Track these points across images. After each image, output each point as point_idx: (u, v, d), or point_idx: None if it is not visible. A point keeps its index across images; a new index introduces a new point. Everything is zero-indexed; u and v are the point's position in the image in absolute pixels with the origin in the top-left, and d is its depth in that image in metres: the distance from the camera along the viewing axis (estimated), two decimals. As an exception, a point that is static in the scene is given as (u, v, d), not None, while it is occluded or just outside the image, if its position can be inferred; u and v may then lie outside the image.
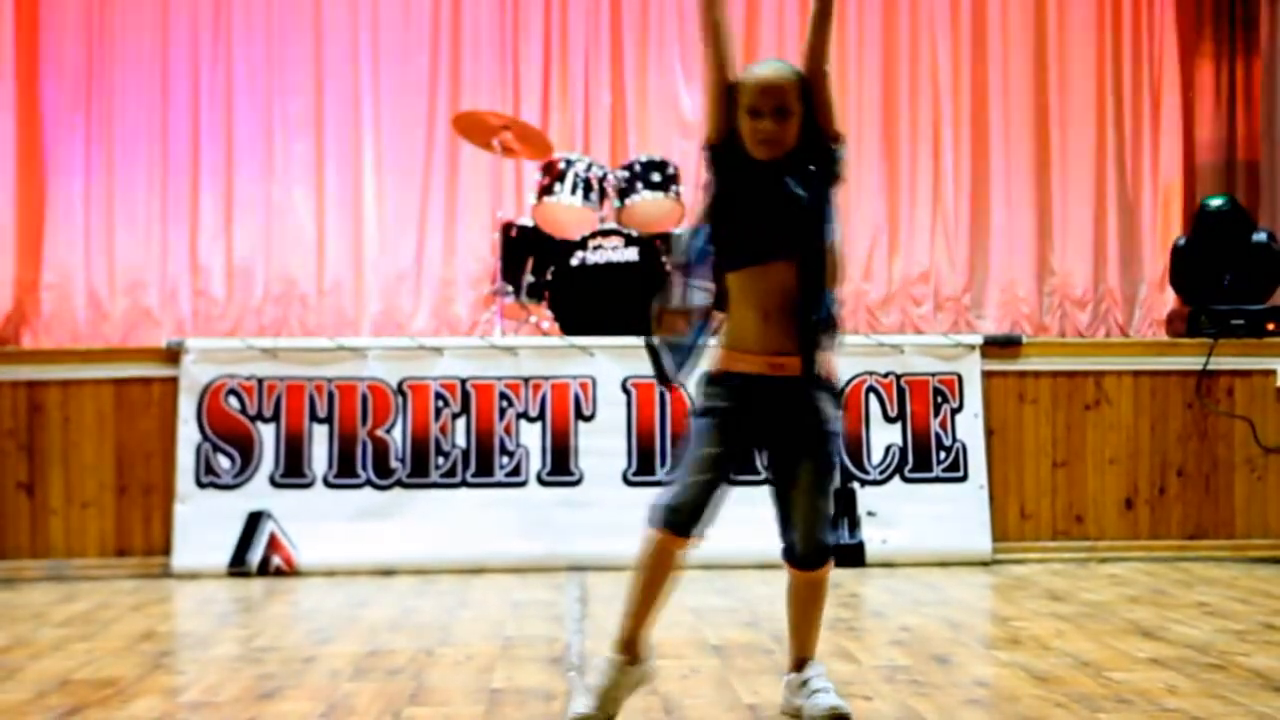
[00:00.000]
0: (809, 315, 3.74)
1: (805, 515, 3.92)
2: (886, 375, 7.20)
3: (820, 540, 3.94)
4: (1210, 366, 7.37)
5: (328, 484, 6.96)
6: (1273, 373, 7.40)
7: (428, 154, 10.41)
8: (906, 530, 7.04)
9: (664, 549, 3.83)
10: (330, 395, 7.01)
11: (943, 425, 7.18)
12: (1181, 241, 8.38)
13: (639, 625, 3.90)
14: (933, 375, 7.21)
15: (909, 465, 7.15)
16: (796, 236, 3.74)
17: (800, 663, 4.02)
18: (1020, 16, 10.75)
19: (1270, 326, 7.74)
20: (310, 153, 10.40)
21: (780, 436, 3.89)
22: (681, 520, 3.81)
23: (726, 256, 3.81)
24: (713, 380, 3.89)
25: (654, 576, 3.87)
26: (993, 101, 10.71)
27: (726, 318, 3.86)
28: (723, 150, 3.83)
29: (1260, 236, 8.17)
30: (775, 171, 3.77)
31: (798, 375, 3.77)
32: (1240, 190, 10.26)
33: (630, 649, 3.89)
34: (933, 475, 7.14)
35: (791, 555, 3.99)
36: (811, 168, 3.79)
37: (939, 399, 7.19)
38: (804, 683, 3.96)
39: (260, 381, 6.99)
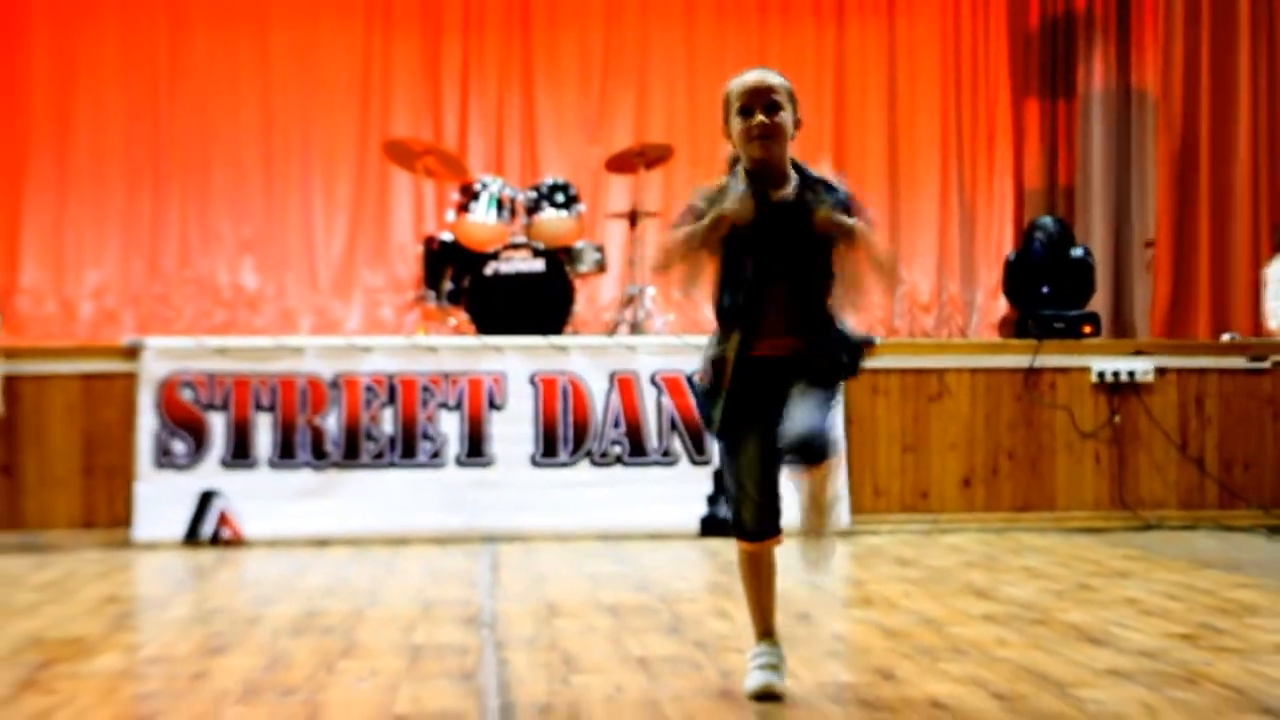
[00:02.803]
0: (807, 317, 3.58)
1: (809, 415, 3.49)
2: (759, 371, 7.23)
3: (822, 433, 3.48)
4: (1036, 364, 7.46)
5: (271, 466, 6.90)
6: (1088, 369, 7.49)
7: (360, 176, 10.40)
8: (776, 505, 7.07)
9: (757, 555, 3.76)
10: (273, 388, 6.95)
11: (808, 414, 7.21)
12: (1012, 255, 8.48)
13: (766, 616, 3.80)
14: (799, 371, 7.25)
15: (778, 449, 7.18)
16: (794, 265, 3.59)
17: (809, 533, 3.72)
18: (875, 61, 10.86)
19: (1086, 329, 7.85)
20: (257, 175, 10.34)
21: (790, 391, 3.57)
22: (763, 529, 3.69)
23: (734, 280, 3.63)
24: (725, 373, 3.63)
25: (759, 579, 3.78)
26: (851, 136, 10.80)
27: (731, 321, 3.63)
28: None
29: (1078, 252, 8.28)
30: (770, 216, 3.59)
31: (801, 350, 3.57)
32: (1061, 212, 10.41)
33: (769, 634, 3.79)
34: (799, 457, 7.17)
35: (800, 452, 3.48)
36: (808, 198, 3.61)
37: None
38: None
39: (211, 376, 6.92)
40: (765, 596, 3.81)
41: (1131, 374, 7.49)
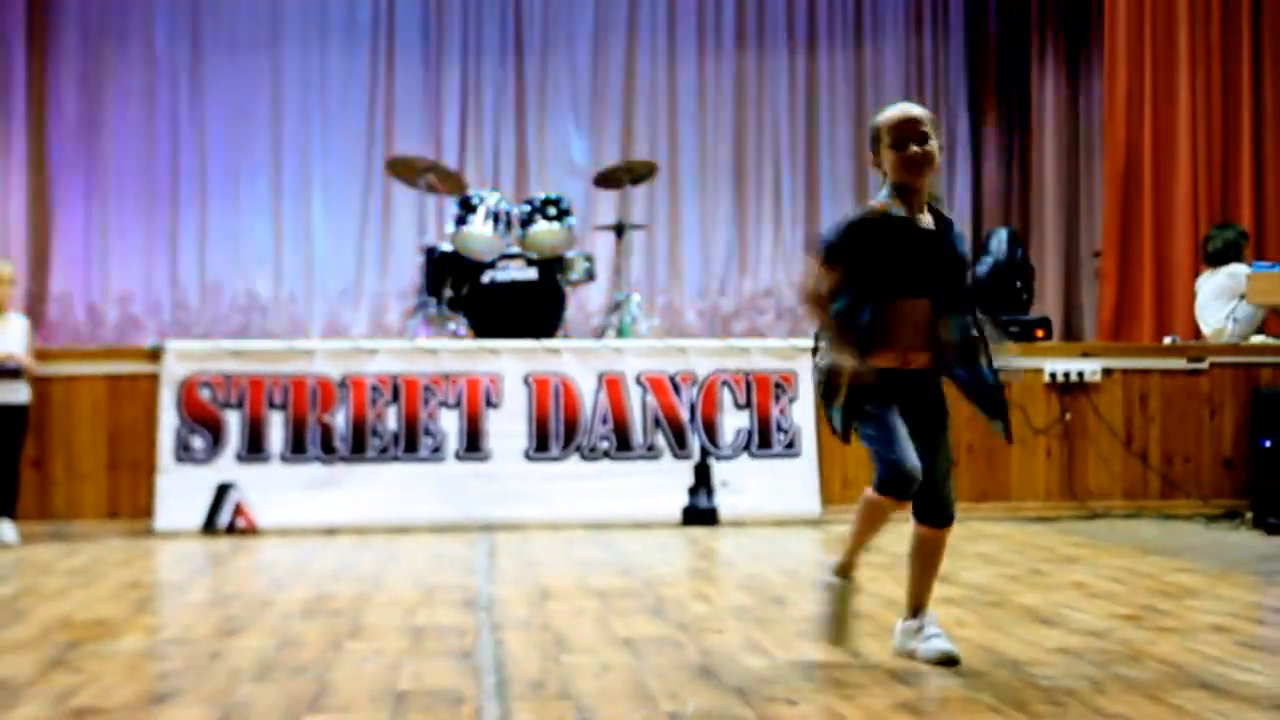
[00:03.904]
0: (945, 329, 3.62)
1: (941, 479, 3.72)
2: (737, 372, 7.23)
3: (951, 501, 3.77)
4: (992, 365, 7.46)
5: (283, 460, 6.89)
6: (1040, 370, 7.51)
7: (366, 191, 10.40)
8: (752, 496, 7.08)
9: (889, 510, 3.68)
10: (285, 387, 6.94)
11: (782, 412, 7.23)
12: (977, 267, 8.49)
13: (857, 556, 3.79)
14: (774, 372, 7.26)
15: (755, 444, 7.19)
16: (932, 278, 3.63)
17: (916, 610, 3.86)
18: (844, 85, 10.88)
19: (1039, 333, 7.87)
20: (269, 189, 10.33)
21: (918, 413, 3.68)
22: (907, 491, 3.62)
23: (876, 292, 3.63)
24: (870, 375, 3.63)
25: (877, 526, 3.71)
26: (821, 155, 10.82)
27: (874, 331, 3.63)
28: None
29: (1030, 261, 8.31)
30: (925, 235, 3.66)
31: (928, 367, 3.65)
32: (1015, 225, 10.43)
33: (849, 572, 3.80)
34: (774, 452, 7.18)
35: (925, 513, 3.75)
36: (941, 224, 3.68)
37: (779, 391, 7.24)
38: (920, 628, 3.83)
39: (228, 376, 6.91)
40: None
41: (1080, 374, 7.51)
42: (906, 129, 3.67)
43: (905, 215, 3.67)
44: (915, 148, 3.65)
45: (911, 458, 3.60)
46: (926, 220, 3.71)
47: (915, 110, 3.73)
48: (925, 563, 3.86)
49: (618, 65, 10.79)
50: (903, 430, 3.63)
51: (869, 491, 3.69)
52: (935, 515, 3.78)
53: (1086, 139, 10.64)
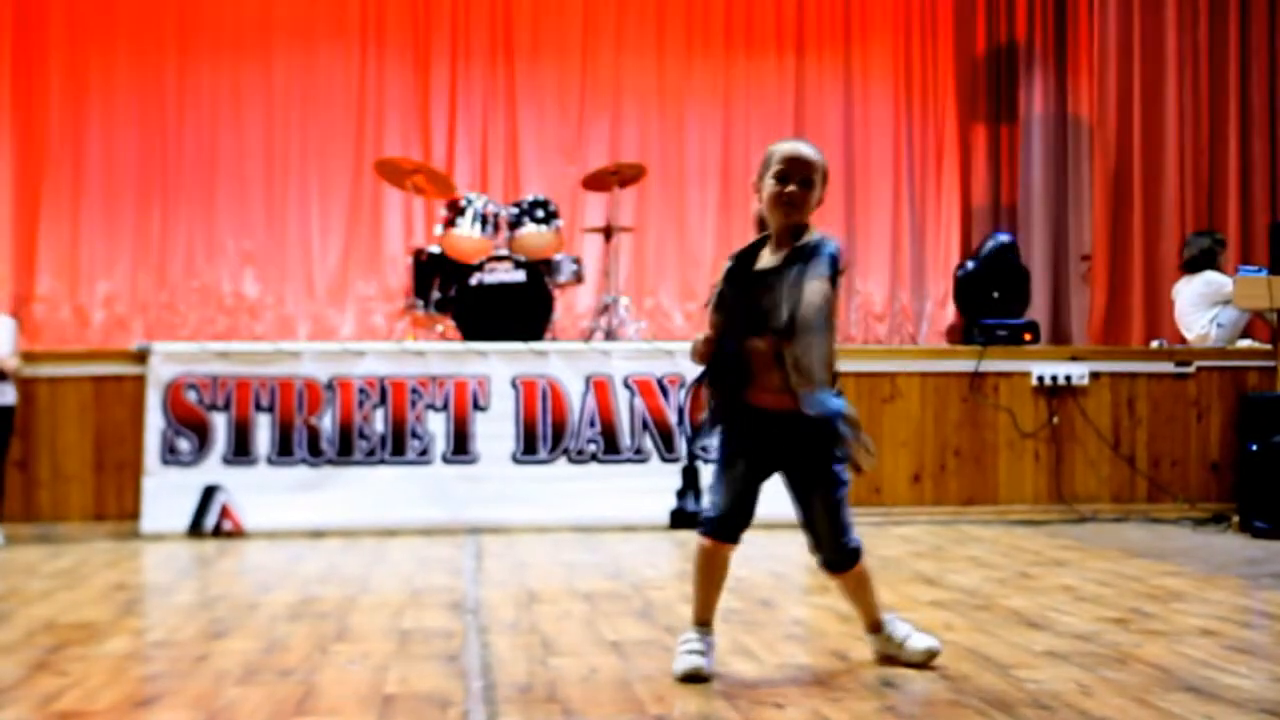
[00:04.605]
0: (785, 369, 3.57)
1: (822, 523, 3.72)
2: (724, 374, 7.22)
3: (840, 544, 3.74)
4: (980, 369, 7.49)
5: (270, 462, 6.88)
6: (1029, 374, 7.52)
7: (354, 192, 10.37)
8: (740, 499, 7.07)
9: (713, 554, 3.75)
10: (272, 389, 6.93)
11: (769, 415, 7.22)
12: (969, 267, 8.48)
13: (706, 608, 3.80)
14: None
15: (742, 447, 7.18)
16: (768, 319, 3.59)
17: (875, 625, 3.86)
18: (832, 86, 10.89)
19: (1026, 337, 7.88)
20: (259, 191, 10.31)
21: (788, 462, 3.71)
22: (725, 533, 3.72)
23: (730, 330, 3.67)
24: (728, 412, 3.73)
25: (710, 575, 3.78)
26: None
27: (724, 371, 3.69)
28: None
29: (1023, 266, 8.32)
30: (760, 276, 3.66)
31: (792, 409, 3.57)
32: (1004, 228, 10.45)
33: (706, 625, 3.79)
34: (761, 455, 7.17)
35: (821, 561, 3.80)
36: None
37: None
38: (889, 638, 3.83)
39: (214, 378, 6.90)
40: (711, 592, 3.83)
41: (1068, 378, 7.52)
42: (793, 166, 3.66)
43: (744, 257, 3.72)
44: (793, 187, 3.64)
45: (723, 502, 3.70)
46: (769, 260, 3.68)
47: (809, 152, 3.70)
48: (855, 594, 3.89)
49: (607, 67, 10.79)
50: (736, 471, 3.69)
51: (697, 538, 3.79)
52: (829, 561, 3.79)
53: (1075, 141, 10.66)
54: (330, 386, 6.97)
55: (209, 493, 6.81)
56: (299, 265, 10.32)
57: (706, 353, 3.70)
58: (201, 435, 6.86)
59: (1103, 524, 7.28)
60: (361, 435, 6.96)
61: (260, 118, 10.36)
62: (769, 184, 3.70)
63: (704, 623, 3.80)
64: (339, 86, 10.46)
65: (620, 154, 10.41)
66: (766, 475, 3.75)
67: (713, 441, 3.82)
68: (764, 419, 3.67)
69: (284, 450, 6.91)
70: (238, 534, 6.75)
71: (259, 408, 6.91)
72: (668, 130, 10.79)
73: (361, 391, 6.99)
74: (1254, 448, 6.95)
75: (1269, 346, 7.89)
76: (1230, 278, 8.05)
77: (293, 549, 6.34)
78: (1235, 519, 7.05)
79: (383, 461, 6.97)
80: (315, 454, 6.92)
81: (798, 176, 3.66)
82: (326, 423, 6.95)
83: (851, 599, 3.90)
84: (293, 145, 10.38)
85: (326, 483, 6.90)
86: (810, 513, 3.73)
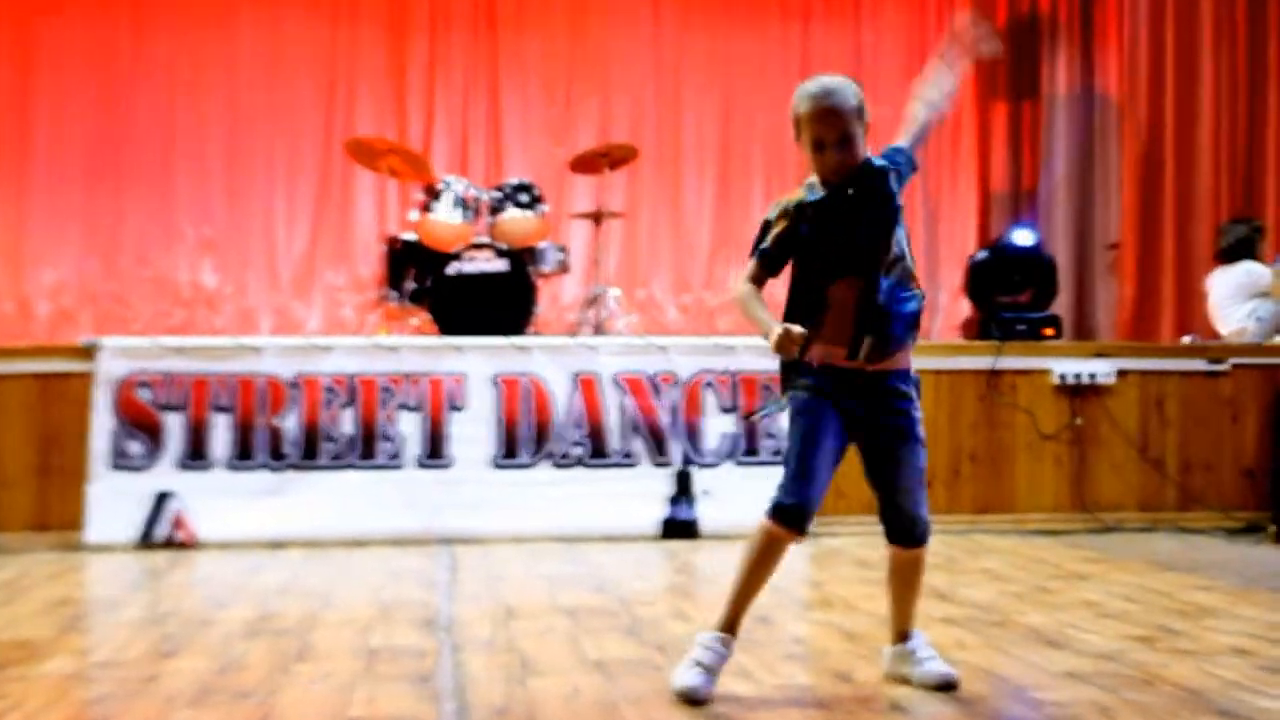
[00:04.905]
0: (876, 318, 3.59)
1: (906, 496, 3.71)
2: (722, 372, 7.22)
3: (920, 518, 3.74)
4: (997, 366, 7.48)
5: (228, 467, 6.86)
6: (1049, 371, 7.52)
7: (323, 175, 10.37)
8: (737, 507, 7.04)
9: (781, 545, 3.69)
10: (231, 388, 6.91)
11: (770, 416, 7.22)
12: (981, 256, 8.49)
13: (742, 611, 3.75)
14: (762, 373, 7.25)
15: (740, 450, 7.18)
16: (869, 257, 3.61)
17: (903, 635, 3.85)
18: (841, 62, 10.87)
19: (1048, 332, 7.88)
20: (218, 173, 10.31)
21: (869, 425, 3.69)
22: (802, 520, 3.66)
23: (807, 275, 3.66)
24: (806, 374, 3.68)
25: (765, 569, 3.73)
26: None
27: (814, 319, 3.62)
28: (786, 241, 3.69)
29: (1048, 256, 8.33)
30: (840, 204, 3.64)
31: (888, 370, 3.63)
32: (1024, 214, 10.46)
33: (733, 628, 3.74)
34: (761, 459, 7.17)
35: (894, 533, 3.77)
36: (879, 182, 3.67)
37: (767, 393, 7.23)
38: (911, 652, 3.81)
39: (168, 376, 6.88)
40: (757, 591, 3.77)
41: (1092, 376, 7.52)
42: (825, 128, 3.64)
43: (823, 196, 3.67)
44: (830, 153, 3.63)
45: (809, 488, 3.63)
46: (852, 190, 3.67)
47: (835, 100, 3.66)
48: (904, 584, 3.86)
49: (597, 40, 10.78)
50: (826, 448, 3.64)
51: (761, 519, 3.71)
52: (903, 535, 3.77)
53: (1102, 121, 10.67)
54: (294, 385, 6.96)
55: (161, 500, 6.79)
56: (262, 253, 10.32)
57: (799, 343, 3.55)
58: (154, 437, 6.85)
59: (1128, 534, 7.28)
60: (328, 437, 6.95)
61: (221, 92, 10.35)
62: (808, 152, 3.68)
63: (732, 628, 3.75)
64: (307, 59, 10.46)
65: (611, 134, 10.41)
66: (845, 451, 3.74)
67: (774, 414, 3.76)
68: (850, 379, 3.65)
69: (243, 454, 6.89)
70: (192, 544, 6.73)
71: (217, 408, 6.89)
72: (662, 108, 10.79)
73: (328, 390, 6.97)
74: (1293, 452, 6.95)
75: (1310, 343, 7.89)
76: (1269, 268, 8.05)
77: (251, 560, 6.32)
78: (1272, 529, 7.07)
79: (351, 466, 6.96)
80: (277, 458, 6.91)
81: (833, 138, 3.64)
82: (290, 424, 6.94)
83: (898, 590, 3.85)
84: (257, 123, 10.37)
85: (289, 489, 6.88)
86: (894, 476, 3.70)
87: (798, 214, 3.68)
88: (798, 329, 3.50)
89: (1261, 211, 9.82)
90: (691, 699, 3.60)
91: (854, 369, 3.65)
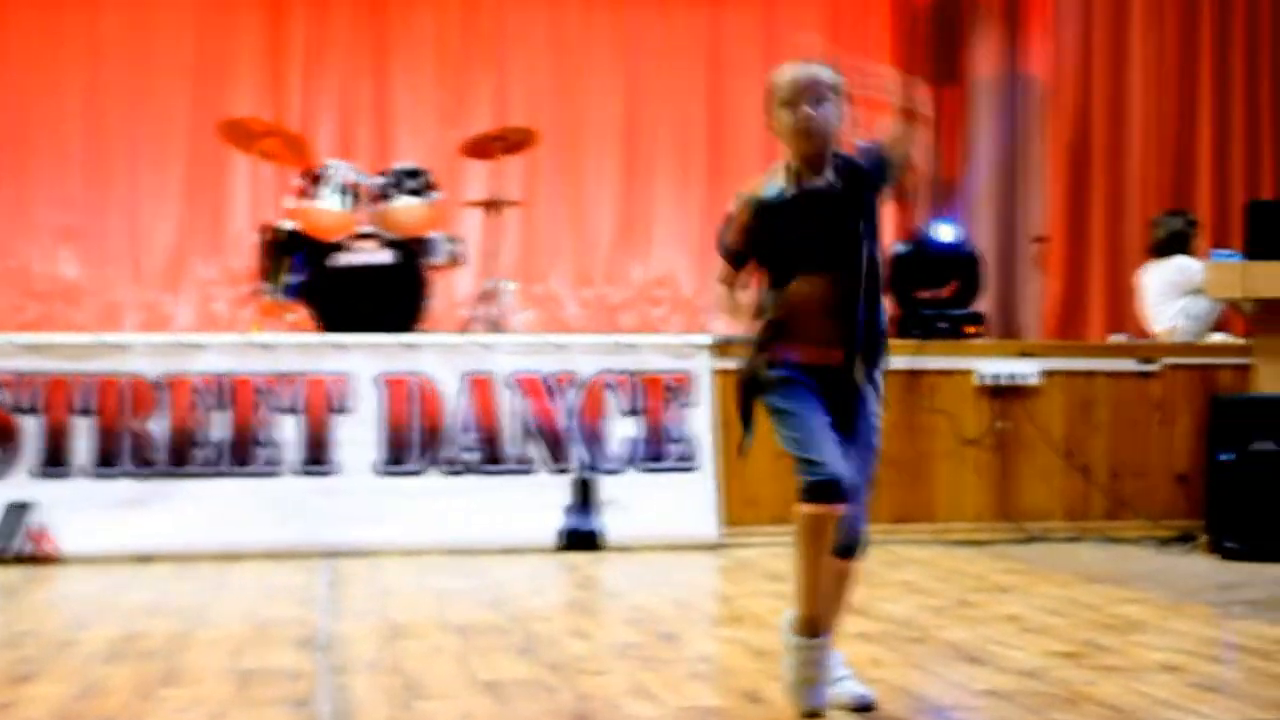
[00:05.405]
0: (851, 318, 3.65)
1: (855, 506, 3.71)
2: (624, 372, 7.24)
3: (863, 528, 3.76)
4: (917, 366, 7.54)
5: (89, 475, 6.78)
6: (971, 372, 7.59)
7: (193, 159, 10.26)
8: (641, 516, 7.09)
9: (829, 522, 3.64)
10: (93, 389, 6.82)
11: (676, 419, 7.25)
12: (900, 250, 8.56)
13: (817, 601, 3.70)
14: (668, 373, 7.27)
15: (644, 456, 7.20)
16: (836, 254, 3.66)
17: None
18: (750, 37, 10.94)
19: (970, 330, 7.96)
20: (78, 157, 10.17)
21: (836, 422, 3.70)
22: (838, 490, 3.60)
23: (776, 271, 3.71)
24: (773, 365, 3.70)
25: (821, 547, 3.66)
26: (729, 119, 10.86)
27: (776, 317, 3.69)
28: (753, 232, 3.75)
29: (971, 249, 8.42)
30: (812, 199, 3.69)
31: (842, 365, 3.67)
32: (946, 205, 10.55)
33: (817, 627, 3.70)
34: (667, 465, 7.20)
35: (840, 547, 3.74)
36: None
37: (673, 395, 7.26)
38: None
39: (22, 376, 6.78)
40: (821, 579, 3.72)
41: (1016, 377, 7.60)
42: (798, 90, 3.70)
43: (785, 189, 3.72)
44: (805, 109, 3.68)
45: (831, 456, 3.62)
46: (821, 181, 3.72)
47: (813, 69, 3.75)
48: (832, 598, 3.86)
49: (493, 15, 10.76)
50: (822, 421, 3.66)
51: (797, 507, 3.67)
52: (842, 544, 3.76)
53: (1029, 107, 10.79)
54: (162, 386, 6.89)
55: (16, 511, 6.70)
56: (126, 244, 10.20)
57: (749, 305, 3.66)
58: (7, 443, 6.75)
59: (1054, 544, 7.38)
60: (199, 443, 6.88)
61: (81, 71, 10.21)
62: (781, 117, 3.72)
63: (816, 630, 3.71)
64: (175, 33, 10.34)
65: (507, 116, 10.39)
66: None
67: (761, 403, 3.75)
68: (821, 373, 3.68)
69: (106, 461, 6.81)
70: (51, 559, 6.64)
71: (77, 411, 6.81)
72: (562, 89, 10.78)
73: (199, 391, 6.91)
74: (1226, 457, 7.05)
75: (1243, 341, 8.02)
76: (1202, 263, 8.17)
77: (116, 576, 6.25)
78: (1204, 538, 7.17)
79: (223, 473, 6.90)
80: (144, 465, 6.83)
81: (807, 97, 3.69)
82: (158, 428, 6.86)
83: (836, 596, 3.85)
84: (120, 103, 10.25)
85: (156, 499, 6.81)
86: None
87: (758, 208, 3.73)
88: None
89: (1194, 204, 9.97)
90: (868, 705, 3.70)
91: (824, 364, 3.68)
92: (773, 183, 3.75)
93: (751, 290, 3.78)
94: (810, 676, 3.67)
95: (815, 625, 3.70)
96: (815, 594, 3.70)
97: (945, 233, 8.70)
